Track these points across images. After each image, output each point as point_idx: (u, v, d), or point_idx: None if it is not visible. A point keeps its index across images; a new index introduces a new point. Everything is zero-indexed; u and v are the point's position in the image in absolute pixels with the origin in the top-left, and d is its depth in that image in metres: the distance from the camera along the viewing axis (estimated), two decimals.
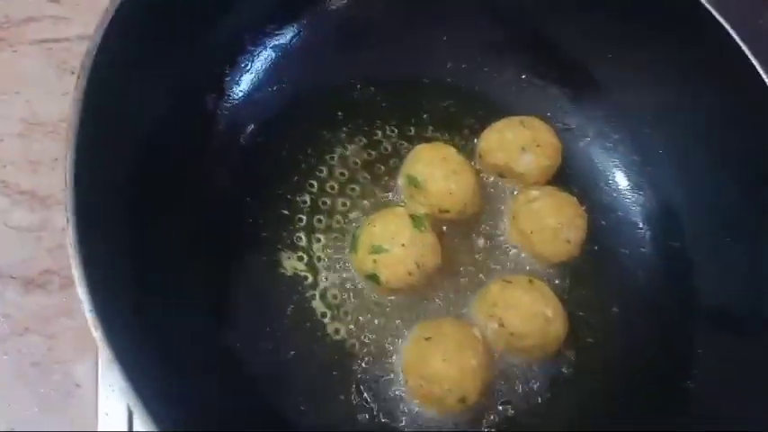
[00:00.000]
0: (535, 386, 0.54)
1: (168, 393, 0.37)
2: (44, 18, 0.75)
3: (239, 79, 0.58)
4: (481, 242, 0.59)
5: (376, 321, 0.54)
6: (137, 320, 0.39)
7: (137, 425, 0.52)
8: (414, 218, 0.54)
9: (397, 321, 0.55)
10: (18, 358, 0.61)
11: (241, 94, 0.59)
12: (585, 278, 0.58)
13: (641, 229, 0.61)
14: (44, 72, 0.72)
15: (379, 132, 0.62)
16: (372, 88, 0.63)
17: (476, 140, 0.63)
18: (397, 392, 0.53)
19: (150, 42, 0.47)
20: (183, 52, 0.51)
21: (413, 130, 0.63)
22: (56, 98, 0.71)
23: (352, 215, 0.59)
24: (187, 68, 0.52)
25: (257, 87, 0.59)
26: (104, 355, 0.57)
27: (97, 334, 0.32)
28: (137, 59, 0.45)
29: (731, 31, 0.55)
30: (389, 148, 0.62)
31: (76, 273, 0.33)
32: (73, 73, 0.72)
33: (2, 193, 0.66)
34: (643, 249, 0.60)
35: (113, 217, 0.41)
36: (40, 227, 0.65)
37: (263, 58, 0.59)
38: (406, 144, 0.62)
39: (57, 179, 0.67)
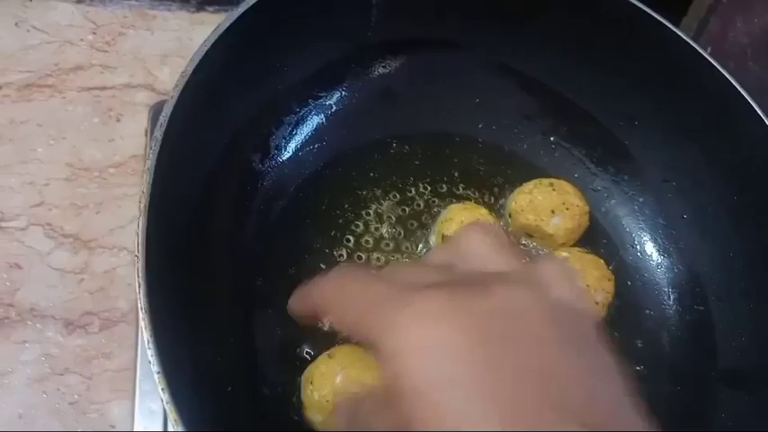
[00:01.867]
0: None
1: None
2: (91, 67, 0.79)
3: (284, 138, 0.61)
4: None
5: None
6: (195, 376, 0.41)
7: None
8: None
9: None
10: (57, 397, 0.62)
11: (285, 152, 0.61)
12: (610, 338, 0.60)
13: (666, 290, 0.63)
14: (90, 119, 0.75)
15: (413, 189, 0.65)
16: (407, 146, 0.66)
17: (504, 199, 0.65)
18: None
19: (209, 108, 0.49)
20: (237, 115, 0.54)
21: (444, 188, 0.65)
22: (101, 144, 0.74)
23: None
24: (238, 129, 0.55)
25: (300, 146, 0.62)
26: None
27: (165, 396, 0.34)
28: (196, 125, 0.48)
29: (744, 94, 0.57)
30: (422, 205, 0.64)
31: (147, 335, 0.35)
32: (118, 120, 0.76)
33: (47, 235, 0.69)
34: (667, 311, 0.62)
35: (172, 276, 0.43)
36: (83, 269, 0.68)
37: (307, 119, 0.62)
38: (437, 201, 0.64)
39: (100, 223, 0.70)
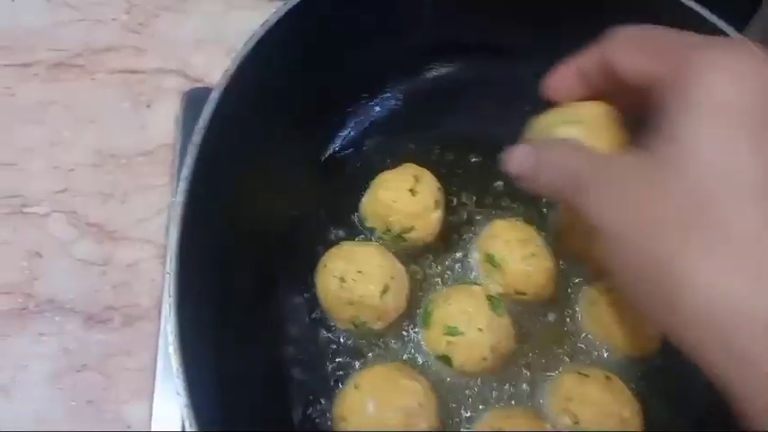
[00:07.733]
0: None
1: None
2: (123, 48, 0.75)
3: (324, 141, 0.58)
4: (555, 327, 0.57)
5: (444, 403, 0.52)
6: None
7: None
8: (491, 299, 0.53)
9: (466, 405, 0.53)
10: (73, 394, 0.60)
11: (323, 155, 0.58)
12: (662, 373, 0.56)
13: None
14: (120, 103, 0.72)
15: (455, 199, 0.61)
16: (451, 155, 0.62)
17: (551, 215, 0.61)
18: None
19: (248, 110, 0.46)
20: (275, 119, 0.51)
21: (489, 200, 0.61)
22: (130, 131, 0.71)
23: (425, 284, 0.57)
24: (275, 134, 0.52)
25: (338, 149, 0.58)
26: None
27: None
28: (233, 128, 0.45)
29: None
30: (465, 217, 0.61)
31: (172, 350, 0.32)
32: (148, 106, 0.73)
33: (71, 223, 0.66)
34: None
35: (202, 291, 0.40)
36: (106, 261, 0.65)
37: (351, 123, 0.59)
38: (482, 214, 0.61)
39: (125, 213, 0.67)
